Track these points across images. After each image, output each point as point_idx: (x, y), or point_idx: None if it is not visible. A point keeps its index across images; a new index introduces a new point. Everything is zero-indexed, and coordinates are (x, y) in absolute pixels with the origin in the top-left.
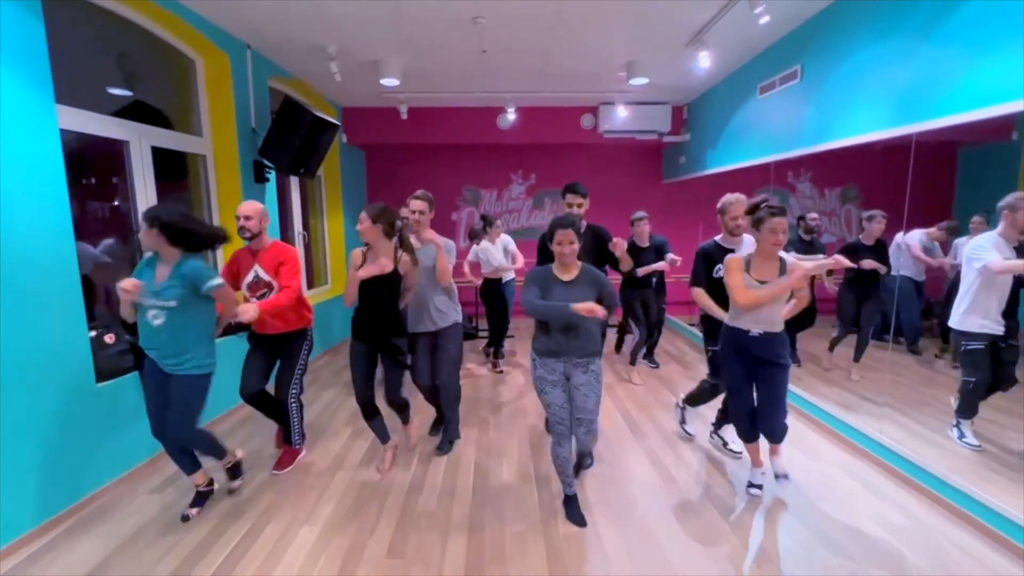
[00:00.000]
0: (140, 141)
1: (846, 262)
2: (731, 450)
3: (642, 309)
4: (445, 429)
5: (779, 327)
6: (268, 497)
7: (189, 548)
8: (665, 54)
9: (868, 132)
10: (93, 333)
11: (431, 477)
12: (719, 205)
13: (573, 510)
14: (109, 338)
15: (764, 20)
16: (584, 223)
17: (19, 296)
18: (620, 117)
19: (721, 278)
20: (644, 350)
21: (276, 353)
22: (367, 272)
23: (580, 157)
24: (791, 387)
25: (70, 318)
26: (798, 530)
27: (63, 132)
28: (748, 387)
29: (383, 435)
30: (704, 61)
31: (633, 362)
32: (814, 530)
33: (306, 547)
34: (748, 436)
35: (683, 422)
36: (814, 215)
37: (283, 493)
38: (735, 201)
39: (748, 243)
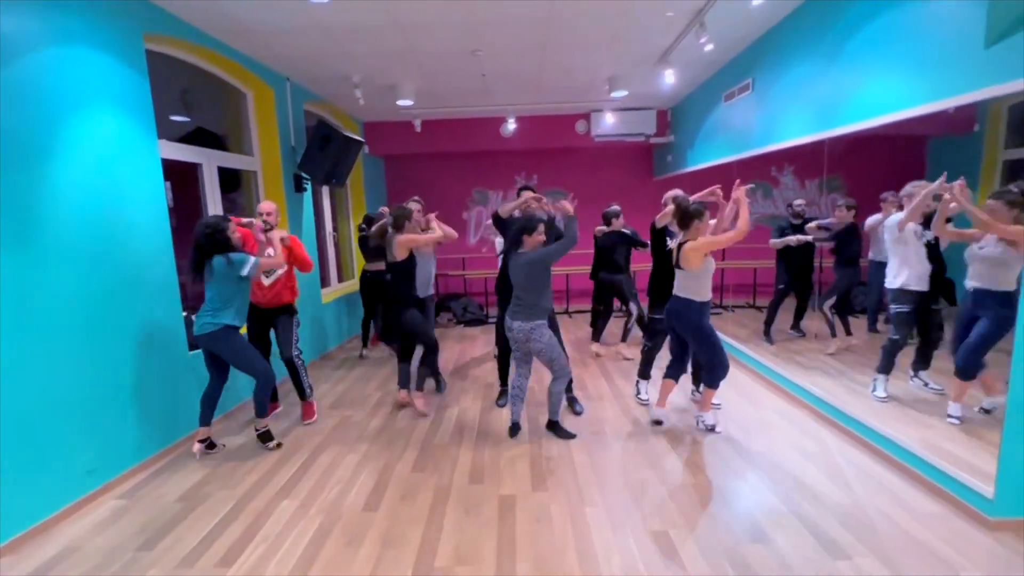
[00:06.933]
0: (209, 163)
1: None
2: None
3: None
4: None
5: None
6: (318, 438)
7: (263, 470)
8: (641, 69)
9: (795, 137)
10: (185, 313)
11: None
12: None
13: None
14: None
15: (708, 48)
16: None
17: (134, 285)
18: (609, 123)
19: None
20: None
21: (268, 325)
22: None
23: (577, 159)
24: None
25: (169, 302)
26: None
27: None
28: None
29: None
30: (669, 78)
31: (625, 338)
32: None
33: (351, 466)
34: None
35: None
36: (800, 201)
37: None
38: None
39: None
